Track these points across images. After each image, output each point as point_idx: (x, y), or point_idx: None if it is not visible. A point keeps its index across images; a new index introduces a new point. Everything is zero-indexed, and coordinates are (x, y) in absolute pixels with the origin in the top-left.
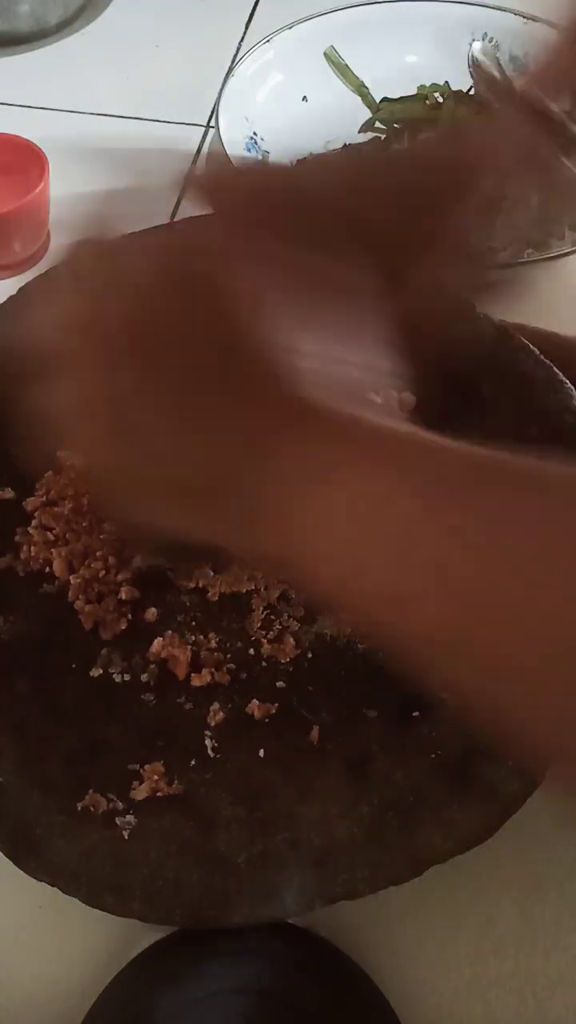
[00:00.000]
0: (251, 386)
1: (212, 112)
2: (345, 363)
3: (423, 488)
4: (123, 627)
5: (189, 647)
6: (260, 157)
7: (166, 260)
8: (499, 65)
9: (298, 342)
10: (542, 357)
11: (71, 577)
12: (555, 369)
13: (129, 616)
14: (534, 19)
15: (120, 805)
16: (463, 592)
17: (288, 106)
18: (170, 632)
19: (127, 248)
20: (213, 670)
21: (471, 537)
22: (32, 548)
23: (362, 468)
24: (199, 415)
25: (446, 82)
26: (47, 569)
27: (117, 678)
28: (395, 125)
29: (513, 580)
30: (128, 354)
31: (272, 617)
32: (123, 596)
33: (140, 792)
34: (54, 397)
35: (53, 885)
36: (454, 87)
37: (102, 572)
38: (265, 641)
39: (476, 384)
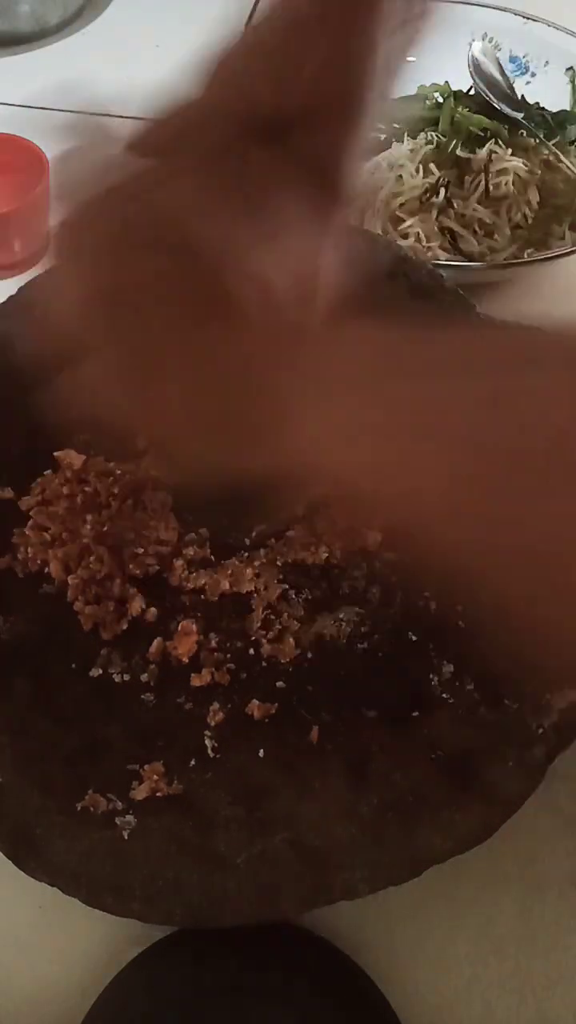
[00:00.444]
0: (240, 316)
1: None
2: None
3: (405, 372)
4: (123, 627)
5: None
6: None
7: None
8: (499, 65)
9: (260, 257)
10: None
11: (69, 578)
12: None
13: (129, 616)
14: (534, 19)
15: (120, 805)
16: (460, 458)
17: None
18: (184, 621)
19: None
20: (213, 670)
21: (463, 405)
22: (29, 549)
23: (352, 368)
24: (198, 348)
25: (446, 82)
26: (46, 570)
27: (117, 678)
28: (395, 125)
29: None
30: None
31: (272, 617)
32: (131, 612)
33: (140, 792)
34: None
35: (53, 885)
36: (454, 87)
37: (100, 573)
38: (265, 641)
39: None
